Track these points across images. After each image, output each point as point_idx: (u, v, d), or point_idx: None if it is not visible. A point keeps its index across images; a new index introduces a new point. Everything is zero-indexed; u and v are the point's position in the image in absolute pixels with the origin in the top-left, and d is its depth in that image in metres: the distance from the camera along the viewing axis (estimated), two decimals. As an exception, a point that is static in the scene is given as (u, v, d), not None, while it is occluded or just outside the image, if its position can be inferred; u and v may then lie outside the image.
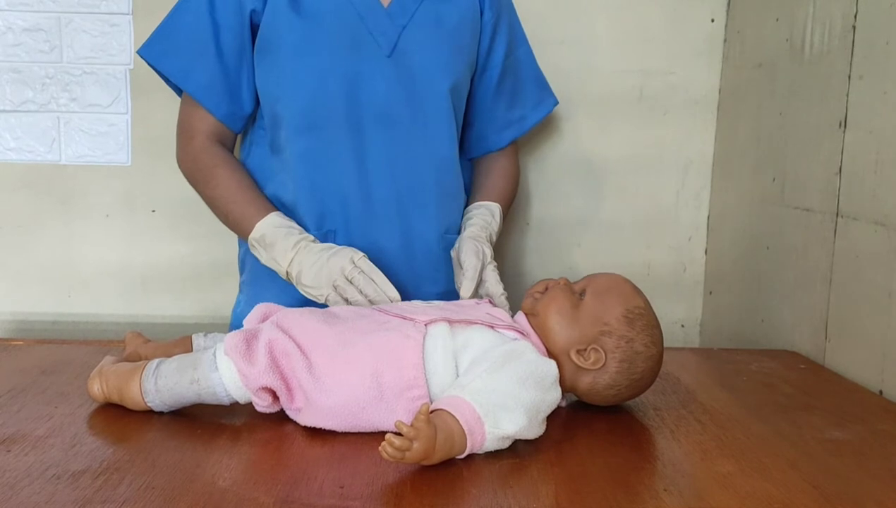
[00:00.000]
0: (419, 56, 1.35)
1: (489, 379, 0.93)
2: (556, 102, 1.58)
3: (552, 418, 0.99)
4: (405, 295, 1.23)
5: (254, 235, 1.32)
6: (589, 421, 1.04)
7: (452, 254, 1.34)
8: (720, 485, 0.86)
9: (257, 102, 1.40)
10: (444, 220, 1.39)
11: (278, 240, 1.29)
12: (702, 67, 1.76)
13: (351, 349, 0.97)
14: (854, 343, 1.27)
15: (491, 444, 0.91)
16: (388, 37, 1.34)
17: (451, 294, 1.33)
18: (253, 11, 1.34)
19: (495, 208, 1.44)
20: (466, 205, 1.46)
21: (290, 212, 1.36)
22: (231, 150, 1.43)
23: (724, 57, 1.75)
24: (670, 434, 1.01)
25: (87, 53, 1.67)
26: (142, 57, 1.39)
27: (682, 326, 1.83)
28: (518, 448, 0.94)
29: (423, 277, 1.37)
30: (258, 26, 1.35)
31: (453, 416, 0.89)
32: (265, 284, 1.38)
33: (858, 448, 0.98)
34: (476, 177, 1.52)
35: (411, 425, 0.85)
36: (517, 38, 1.51)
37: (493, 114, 1.49)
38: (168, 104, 1.67)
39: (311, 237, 1.31)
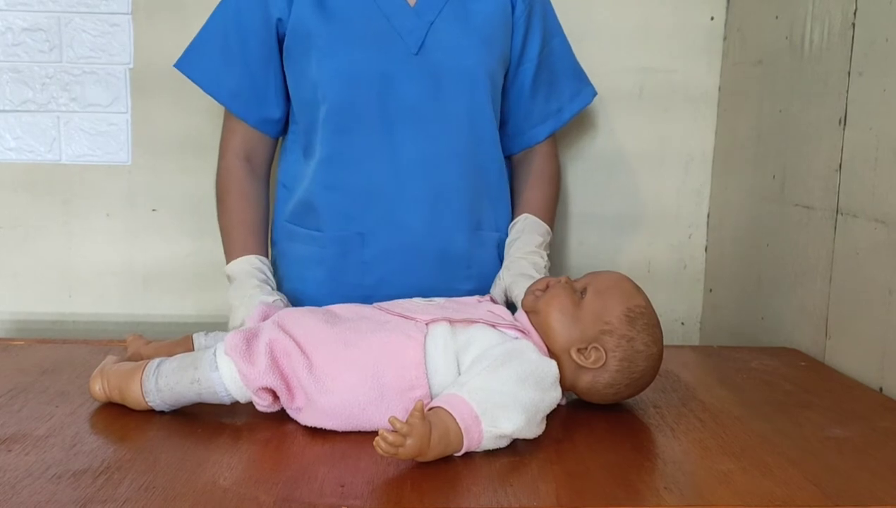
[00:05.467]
0: (448, 53, 1.34)
1: (488, 377, 0.93)
2: (595, 93, 1.56)
3: (552, 416, 0.99)
4: (435, 293, 1.21)
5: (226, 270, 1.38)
6: (589, 419, 1.04)
7: (498, 288, 1.35)
8: (720, 483, 0.86)
9: (288, 106, 1.41)
10: (476, 217, 1.38)
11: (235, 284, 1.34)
12: (702, 65, 1.75)
13: (352, 349, 0.98)
14: (854, 340, 1.27)
15: (489, 443, 0.91)
16: (415, 35, 1.33)
17: (480, 292, 1.33)
18: (279, 21, 1.35)
19: (541, 226, 1.43)
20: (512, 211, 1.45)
21: (318, 214, 1.36)
22: (267, 161, 1.46)
23: (724, 54, 1.74)
24: (670, 431, 1.01)
25: (87, 53, 1.66)
26: (178, 70, 1.41)
27: (682, 323, 1.83)
28: (518, 447, 0.94)
29: (453, 275, 1.37)
30: (283, 36, 1.36)
31: (450, 414, 0.89)
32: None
33: (859, 445, 0.98)
34: (516, 183, 1.49)
35: (406, 421, 0.85)
36: (552, 29, 1.48)
37: (530, 109, 1.47)
38: (168, 103, 1.68)
39: (267, 289, 1.32)
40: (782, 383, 1.22)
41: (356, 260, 1.36)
